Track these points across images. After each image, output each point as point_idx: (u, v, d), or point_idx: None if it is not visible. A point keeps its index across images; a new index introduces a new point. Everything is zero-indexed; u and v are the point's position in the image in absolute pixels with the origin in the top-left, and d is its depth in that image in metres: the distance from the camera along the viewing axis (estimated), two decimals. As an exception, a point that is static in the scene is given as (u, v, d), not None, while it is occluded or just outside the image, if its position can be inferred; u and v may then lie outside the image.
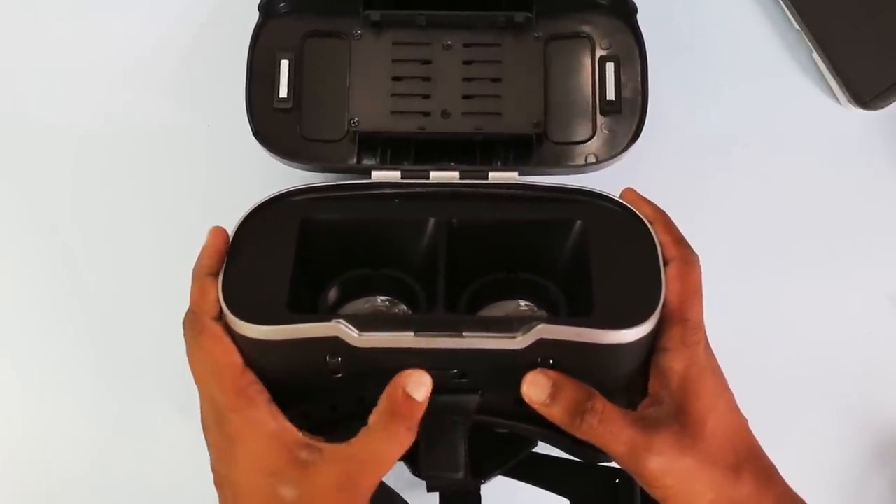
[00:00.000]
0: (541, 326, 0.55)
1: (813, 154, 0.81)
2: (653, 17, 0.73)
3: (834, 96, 0.81)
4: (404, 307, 0.66)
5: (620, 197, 0.66)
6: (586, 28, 0.75)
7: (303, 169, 0.72)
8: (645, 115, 0.71)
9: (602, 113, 0.73)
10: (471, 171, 0.69)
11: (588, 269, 0.61)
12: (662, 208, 0.65)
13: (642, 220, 0.63)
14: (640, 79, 0.72)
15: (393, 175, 0.68)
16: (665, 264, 0.61)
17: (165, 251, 0.77)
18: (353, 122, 0.72)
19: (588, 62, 0.74)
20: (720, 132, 0.81)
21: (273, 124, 0.72)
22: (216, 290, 0.59)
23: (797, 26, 0.80)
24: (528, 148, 0.72)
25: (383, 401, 0.57)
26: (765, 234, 0.80)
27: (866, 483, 0.75)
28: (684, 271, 0.60)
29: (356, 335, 0.55)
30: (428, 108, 0.73)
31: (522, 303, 0.66)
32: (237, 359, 0.58)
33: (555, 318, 0.62)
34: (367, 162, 0.72)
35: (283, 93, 0.73)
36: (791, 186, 0.80)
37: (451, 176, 0.68)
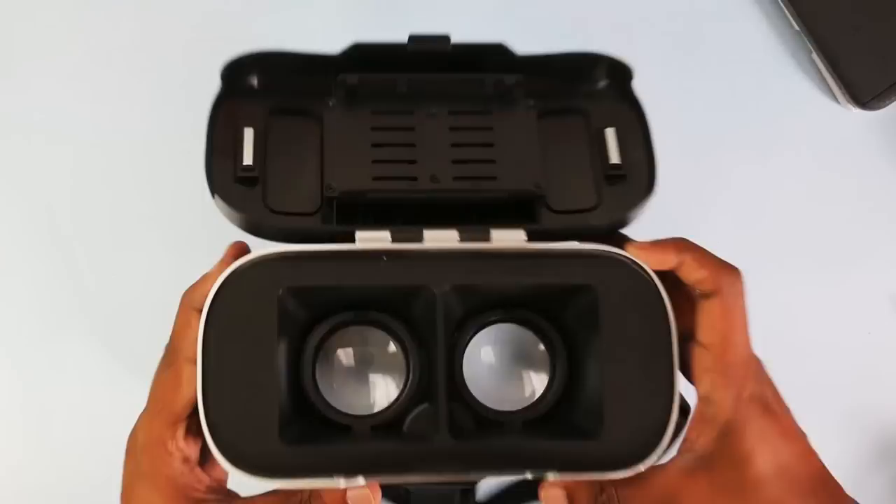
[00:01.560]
0: (553, 478, 0.57)
1: (812, 154, 0.81)
2: (652, 18, 0.75)
3: (833, 97, 0.82)
4: (396, 346, 0.65)
5: (626, 252, 0.60)
6: (579, 102, 0.69)
7: (275, 240, 0.63)
8: (654, 181, 0.65)
9: (607, 179, 0.66)
10: (471, 231, 0.61)
11: (598, 346, 0.59)
12: (684, 239, 0.60)
13: (659, 293, 0.59)
14: (643, 146, 0.66)
15: (381, 236, 0.60)
16: (706, 297, 0.58)
17: (167, 253, 0.78)
18: (330, 188, 0.63)
19: (585, 134, 0.68)
20: (719, 133, 0.81)
21: (236, 194, 0.64)
22: (199, 329, 0.57)
23: (796, 27, 0.81)
24: (531, 207, 0.65)
25: None
26: (764, 235, 0.80)
27: (866, 483, 0.75)
28: (728, 306, 0.57)
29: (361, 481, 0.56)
30: (414, 172, 0.64)
31: (524, 331, 0.66)
32: (183, 409, 0.58)
33: (566, 465, 0.59)
34: (348, 226, 0.63)
35: (248, 160, 0.64)
36: (790, 186, 0.81)
37: (449, 236, 0.61)
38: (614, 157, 0.66)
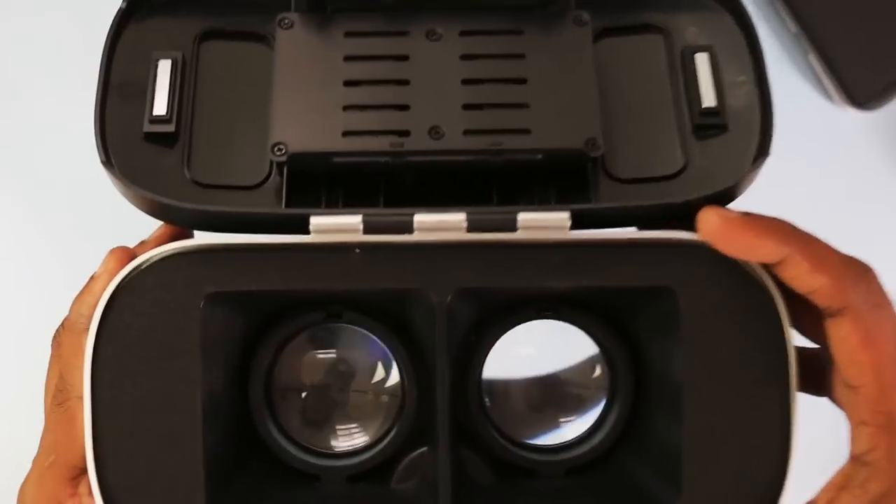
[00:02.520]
0: None
1: (809, 155, 0.77)
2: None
3: (829, 97, 0.79)
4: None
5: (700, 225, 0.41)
6: (656, 14, 0.47)
7: (194, 227, 0.45)
8: (770, 134, 0.44)
9: (696, 131, 0.45)
10: (487, 214, 0.41)
11: (679, 373, 0.42)
12: (788, 223, 0.42)
13: (771, 298, 0.42)
14: (752, 80, 0.45)
15: (348, 224, 0.40)
16: (832, 315, 0.41)
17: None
18: (278, 150, 0.42)
19: (665, 62, 0.47)
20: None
21: (142, 159, 0.44)
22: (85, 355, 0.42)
23: (793, 28, 0.79)
24: (581, 175, 0.44)
25: None
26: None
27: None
28: (868, 329, 0.40)
29: None
30: (406, 124, 0.43)
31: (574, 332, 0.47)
32: (82, 459, 0.43)
33: None
34: (299, 209, 0.43)
35: (161, 108, 0.44)
36: (787, 187, 0.74)
37: (453, 223, 0.40)
38: (709, 97, 0.45)
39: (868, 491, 0.41)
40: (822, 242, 0.41)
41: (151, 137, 0.44)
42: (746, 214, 0.41)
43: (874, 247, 0.76)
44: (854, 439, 0.42)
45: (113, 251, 0.44)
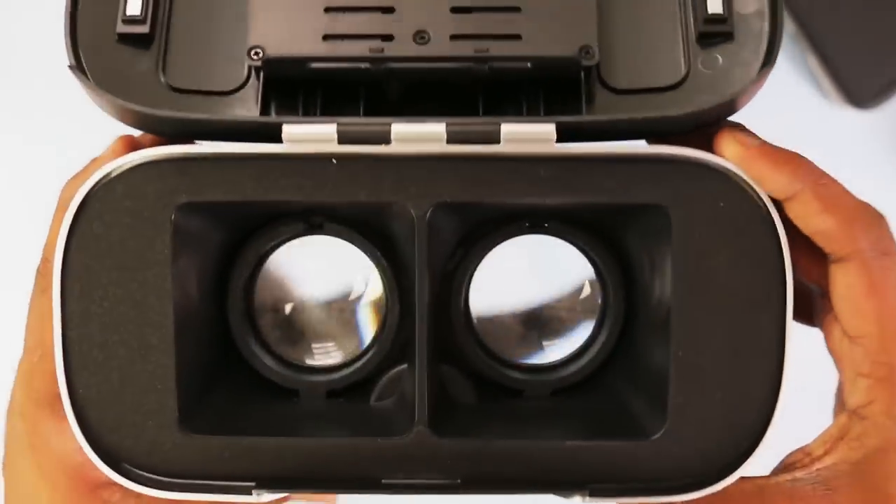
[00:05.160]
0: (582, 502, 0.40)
1: (807, 154, 0.74)
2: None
3: (828, 97, 0.81)
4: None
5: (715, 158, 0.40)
6: None
7: (166, 135, 0.42)
8: (776, 45, 0.41)
9: (700, 39, 0.42)
10: (469, 125, 0.39)
11: (669, 296, 0.40)
12: (804, 158, 0.41)
13: (771, 221, 0.40)
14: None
15: (321, 133, 0.38)
16: (838, 261, 0.40)
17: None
18: (255, 54, 0.41)
19: None
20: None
21: (115, 62, 0.42)
22: (55, 261, 0.40)
23: (791, 28, 0.80)
24: (572, 88, 0.41)
25: None
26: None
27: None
28: (874, 278, 0.39)
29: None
30: (390, 28, 0.41)
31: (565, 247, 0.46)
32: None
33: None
34: (273, 117, 0.41)
35: (135, 7, 0.42)
36: None
37: (432, 133, 0.38)
38: (714, 3, 0.42)
39: (864, 445, 0.41)
40: (837, 183, 0.40)
41: (125, 39, 0.42)
42: (765, 143, 0.40)
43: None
44: (850, 392, 0.41)
45: (121, 137, 0.42)
